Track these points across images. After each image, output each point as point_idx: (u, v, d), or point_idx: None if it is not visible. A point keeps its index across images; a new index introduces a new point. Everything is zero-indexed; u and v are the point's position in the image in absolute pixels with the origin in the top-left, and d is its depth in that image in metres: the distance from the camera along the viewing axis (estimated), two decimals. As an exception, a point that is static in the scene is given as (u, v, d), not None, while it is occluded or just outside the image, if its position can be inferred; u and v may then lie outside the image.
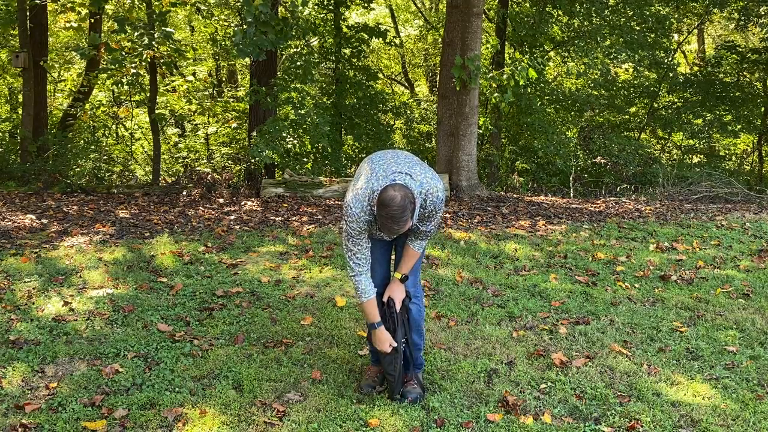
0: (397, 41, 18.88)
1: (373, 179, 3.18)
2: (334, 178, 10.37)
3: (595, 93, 15.25)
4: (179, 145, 15.33)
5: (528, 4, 14.50)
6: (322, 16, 13.78)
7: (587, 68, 14.38)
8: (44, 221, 7.52)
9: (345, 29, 13.67)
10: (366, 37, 13.65)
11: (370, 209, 3.17)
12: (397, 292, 3.42)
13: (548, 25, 13.49)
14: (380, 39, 13.82)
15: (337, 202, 9.32)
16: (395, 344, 3.37)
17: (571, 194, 11.88)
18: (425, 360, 3.81)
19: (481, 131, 12.70)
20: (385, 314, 3.43)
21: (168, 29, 10.28)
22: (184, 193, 9.90)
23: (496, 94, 9.78)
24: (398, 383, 3.44)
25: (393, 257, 3.61)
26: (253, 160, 10.33)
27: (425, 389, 3.54)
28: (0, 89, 15.36)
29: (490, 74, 9.81)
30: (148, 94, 11.80)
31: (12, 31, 13.11)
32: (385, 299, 3.43)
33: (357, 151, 14.80)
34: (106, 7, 11.77)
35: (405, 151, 3.45)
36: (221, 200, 9.35)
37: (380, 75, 18.14)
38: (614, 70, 16.22)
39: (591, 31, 13.29)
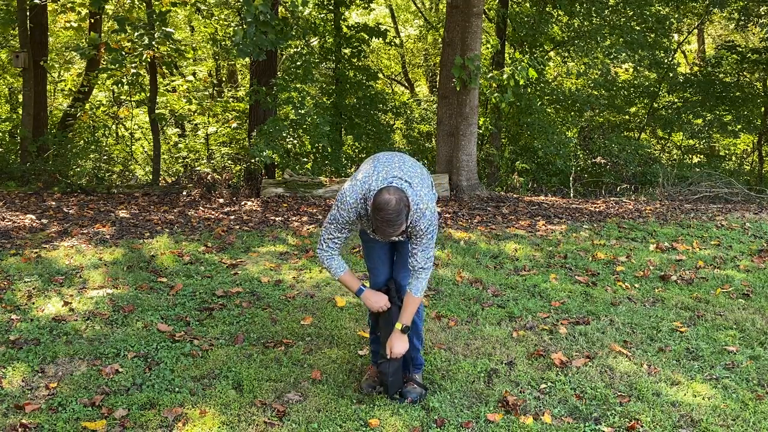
0: (397, 41, 18.88)
1: (372, 177, 3.22)
2: (334, 178, 10.36)
3: (595, 93, 15.24)
4: (179, 145, 15.31)
5: (528, 4, 14.49)
6: (322, 16, 13.77)
7: (587, 68, 14.39)
8: (44, 221, 7.52)
9: (345, 29, 13.67)
10: (366, 37, 13.65)
11: (363, 204, 3.21)
12: (397, 345, 3.37)
13: (548, 25, 13.49)
14: (380, 39, 13.82)
15: (337, 202, 9.31)
16: (389, 305, 3.41)
17: (571, 194, 11.88)
18: (425, 360, 3.81)
19: (481, 131, 12.69)
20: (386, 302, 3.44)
21: (168, 29, 10.28)
22: (184, 193, 9.90)
23: (496, 94, 9.78)
24: (393, 383, 3.43)
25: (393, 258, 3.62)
26: (253, 160, 10.33)
27: (425, 389, 3.54)
28: (0, 89, 15.35)
29: (490, 74, 9.81)
30: (148, 94, 11.79)
31: (12, 31, 13.10)
32: (389, 353, 3.37)
33: (357, 151, 14.79)
34: (106, 7, 11.77)
35: (412, 159, 3.43)
36: (221, 200, 9.35)
37: (380, 75, 18.14)
38: (614, 70, 16.21)
39: (591, 31, 13.30)
